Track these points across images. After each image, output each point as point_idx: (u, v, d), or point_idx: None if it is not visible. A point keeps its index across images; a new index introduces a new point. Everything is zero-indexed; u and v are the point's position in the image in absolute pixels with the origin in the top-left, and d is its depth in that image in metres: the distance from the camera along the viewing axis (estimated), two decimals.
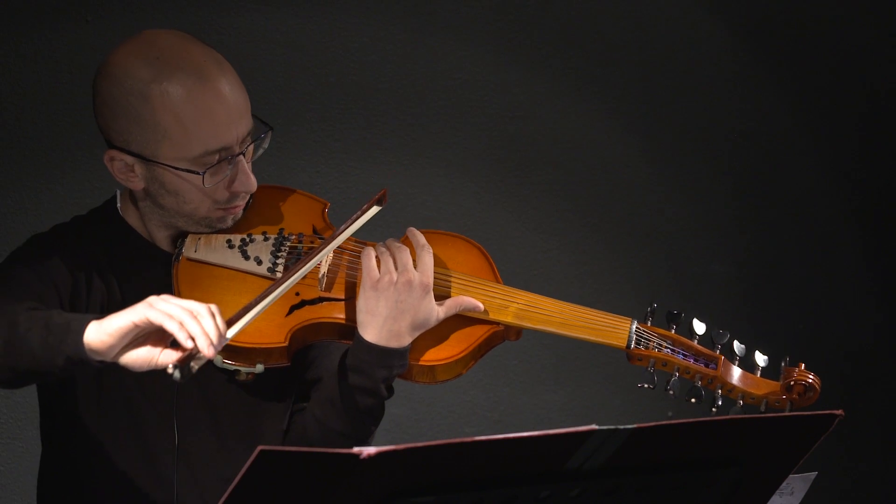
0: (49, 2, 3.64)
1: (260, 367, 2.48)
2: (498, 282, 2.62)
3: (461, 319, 2.56)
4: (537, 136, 4.23)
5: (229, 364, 2.46)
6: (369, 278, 2.50)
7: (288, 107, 3.90)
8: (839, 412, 2.05)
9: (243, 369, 2.48)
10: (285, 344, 2.48)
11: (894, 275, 4.68)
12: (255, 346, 2.46)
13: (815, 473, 2.59)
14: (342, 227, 2.53)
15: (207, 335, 2.19)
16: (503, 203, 4.20)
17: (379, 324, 2.49)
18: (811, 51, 4.52)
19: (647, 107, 4.36)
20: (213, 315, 2.22)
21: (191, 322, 2.19)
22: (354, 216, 2.54)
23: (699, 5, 4.38)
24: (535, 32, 4.20)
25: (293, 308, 2.50)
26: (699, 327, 2.66)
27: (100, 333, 2.20)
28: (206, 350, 2.19)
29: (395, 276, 2.50)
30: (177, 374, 2.19)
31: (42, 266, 2.48)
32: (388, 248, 2.54)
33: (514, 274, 4.23)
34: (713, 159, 4.46)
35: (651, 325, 2.64)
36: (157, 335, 2.23)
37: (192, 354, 2.20)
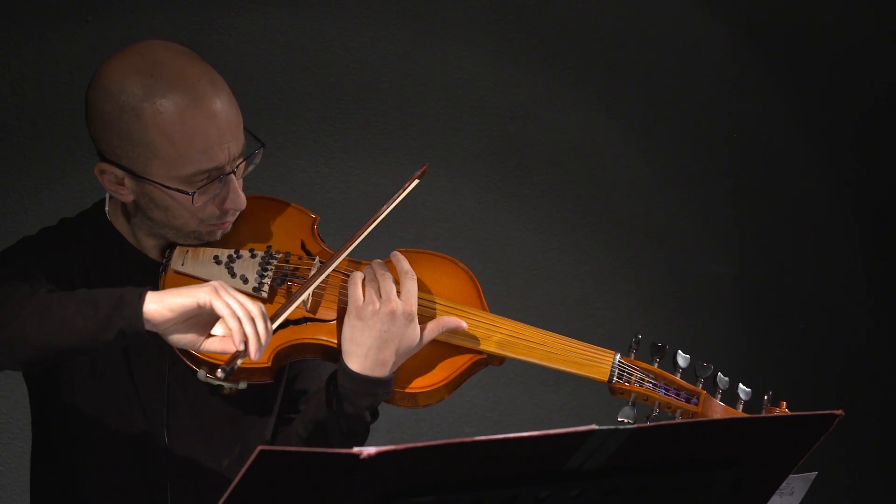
0: (49, 2, 3.64)
1: (243, 384, 2.48)
2: (484, 309, 2.62)
3: (445, 347, 2.57)
4: (537, 136, 4.23)
5: (212, 379, 2.46)
6: (353, 307, 2.50)
7: (288, 107, 3.90)
8: (839, 412, 2.05)
9: (227, 385, 2.49)
10: (268, 364, 2.48)
11: (893, 275, 4.69)
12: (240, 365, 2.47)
13: (815, 473, 2.59)
14: (384, 205, 2.56)
15: (259, 340, 2.26)
16: (503, 203, 4.20)
17: (363, 353, 2.49)
18: (811, 52, 4.52)
19: (647, 107, 4.36)
20: (264, 319, 2.28)
21: (248, 324, 2.26)
22: (396, 194, 2.57)
23: (699, 6, 4.38)
24: (535, 32, 4.20)
25: (278, 328, 2.50)
26: (683, 360, 2.65)
27: (161, 308, 2.26)
28: (254, 356, 2.27)
29: (378, 305, 2.50)
30: (220, 374, 2.28)
31: (29, 272, 2.47)
32: (374, 276, 2.53)
33: (513, 274, 4.24)
34: (713, 160, 4.46)
35: (635, 357, 2.63)
36: (207, 317, 2.29)
37: (238, 355, 2.27)
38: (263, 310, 2.29)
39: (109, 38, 3.67)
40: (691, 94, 4.40)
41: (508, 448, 1.86)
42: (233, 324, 2.26)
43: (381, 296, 2.51)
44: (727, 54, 4.43)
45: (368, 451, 1.74)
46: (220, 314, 2.26)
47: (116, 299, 2.27)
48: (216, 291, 2.27)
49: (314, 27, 3.93)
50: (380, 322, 2.49)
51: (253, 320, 2.27)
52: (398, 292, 2.52)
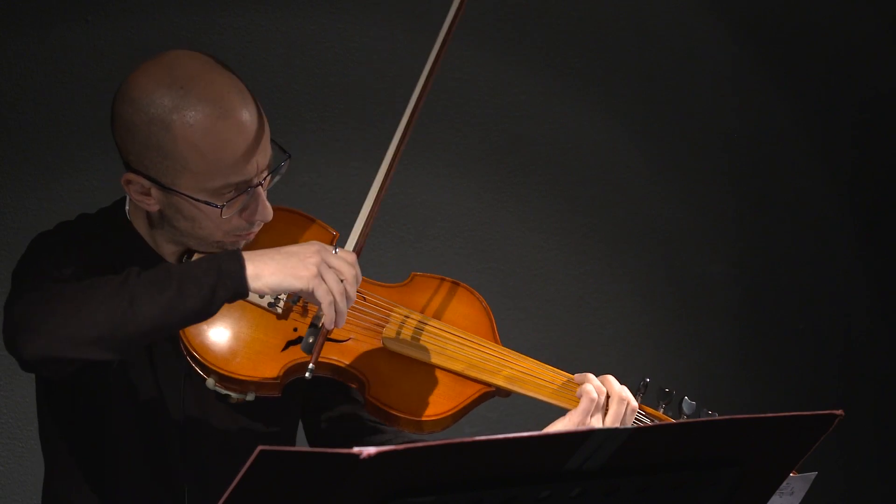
0: (49, 2, 3.64)
1: (251, 396, 2.49)
2: (496, 341, 2.63)
3: (454, 378, 2.57)
4: (537, 136, 4.23)
5: (220, 389, 2.47)
6: (582, 417, 2.58)
7: (288, 107, 3.89)
8: (839, 412, 2.05)
9: (234, 395, 2.49)
10: (278, 381, 2.49)
11: (891, 274, 4.69)
12: (249, 378, 2.47)
13: (815, 473, 2.59)
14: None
15: (346, 317, 2.37)
16: (503, 203, 4.20)
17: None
18: (809, 52, 4.53)
19: (647, 107, 4.36)
20: (353, 298, 2.38)
21: (343, 306, 2.35)
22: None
23: (699, 6, 4.38)
24: (535, 32, 4.20)
25: (289, 343, 2.51)
26: (688, 407, 2.65)
27: (262, 287, 2.32)
28: (331, 328, 2.38)
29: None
30: (303, 347, 2.41)
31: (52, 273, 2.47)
32: (614, 405, 2.59)
33: (513, 274, 4.24)
34: (712, 160, 4.46)
35: (641, 401, 2.63)
36: None
37: (324, 333, 2.39)
38: (359, 281, 2.37)
39: (109, 38, 3.67)
40: (691, 94, 4.40)
41: (508, 448, 1.86)
42: (330, 313, 2.34)
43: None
44: (727, 54, 4.43)
45: (368, 451, 1.74)
46: (318, 300, 2.33)
47: (216, 272, 2.30)
48: (320, 276, 2.33)
49: (314, 27, 3.93)
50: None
51: (347, 300, 2.35)
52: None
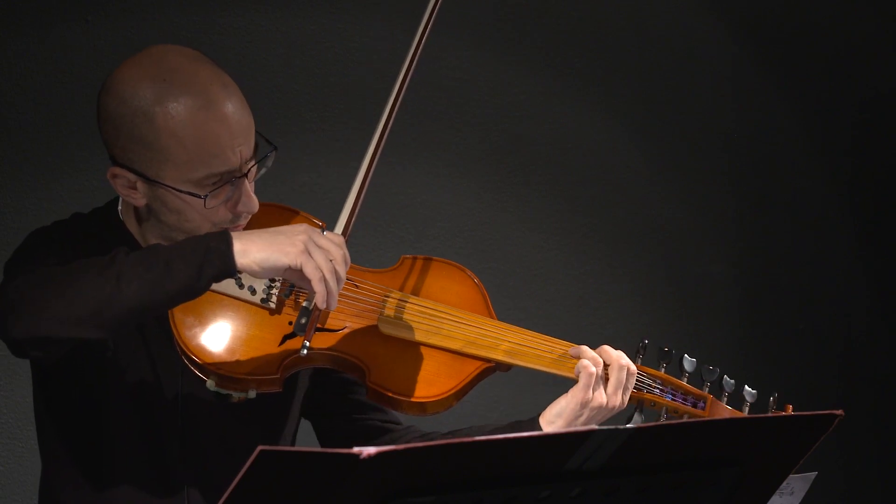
0: (49, 2, 3.64)
1: (252, 393, 2.49)
2: (491, 317, 2.63)
3: (453, 356, 2.57)
4: (537, 136, 4.23)
5: (221, 390, 2.47)
6: (583, 397, 2.58)
7: (288, 107, 3.89)
8: (839, 412, 2.05)
9: (235, 394, 2.49)
10: (277, 375, 2.49)
11: (891, 274, 4.69)
12: (247, 376, 2.47)
13: (814, 473, 2.60)
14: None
15: (337, 298, 2.35)
16: (503, 203, 4.20)
17: (563, 425, 2.59)
18: (809, 52, 4.53)
19: (647, 107, 4.36)
20: (343, 277, 2.37)
21: (333, 285, 2.34)
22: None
23: (699, 6, 4.38)
24: (535, 32, 4.20)
25: (286, 338, 2.51)
26: (689, 364, 2.67)
27: (251, 262, 2.31)
28: (323, 307, 2.36)
29: (604, 399, 2.58)
30: (297, 329, 2.42)
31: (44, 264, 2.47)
32: (614, 373, 2.59)
33: (513, 274, 4.24)
34: (712, 160, 4.46)
35: (641, 362, 2.64)
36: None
37: (316, 313, 2.39)
38: (348, 263, 2.36)
39: (109, 38, 3.67)
40: (691, 94, 4.40)
41: (508, 448, 1.86)
42: (320, 289, 2.33)
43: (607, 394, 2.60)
44: (727, 54, 4.43)
45: (368, 451, 1.74)
46: (307, 276, 2.32)
47: (204, 249, 2.30)
48: (308, 252, 2.32)
49: (314, 27, 3.93)
50: (598, 413, 2.61)
51: (337, 282, 2.34)
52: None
